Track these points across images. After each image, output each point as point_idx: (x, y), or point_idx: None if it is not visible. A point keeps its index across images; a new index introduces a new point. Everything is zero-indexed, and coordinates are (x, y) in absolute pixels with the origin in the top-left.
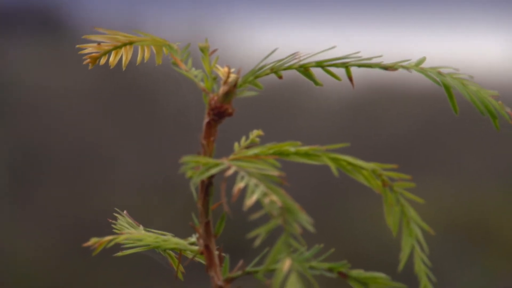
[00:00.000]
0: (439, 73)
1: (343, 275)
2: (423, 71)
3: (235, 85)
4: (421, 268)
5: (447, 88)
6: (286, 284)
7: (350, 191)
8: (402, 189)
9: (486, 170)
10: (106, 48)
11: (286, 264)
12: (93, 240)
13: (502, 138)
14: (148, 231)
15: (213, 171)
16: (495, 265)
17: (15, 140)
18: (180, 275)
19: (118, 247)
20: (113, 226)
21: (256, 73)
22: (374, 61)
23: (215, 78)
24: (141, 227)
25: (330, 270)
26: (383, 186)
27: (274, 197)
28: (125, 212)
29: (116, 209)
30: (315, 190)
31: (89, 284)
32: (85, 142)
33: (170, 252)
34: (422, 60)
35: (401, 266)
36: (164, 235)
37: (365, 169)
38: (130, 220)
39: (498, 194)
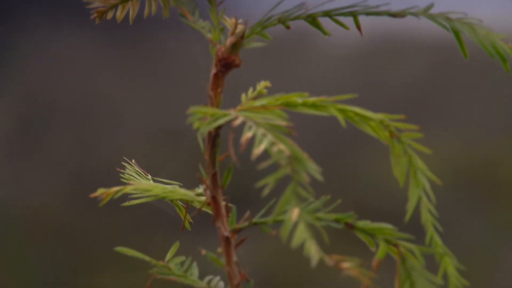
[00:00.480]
0: (448, 19)
1: (350, 226)
2: (431, 17)
3: (242, 36)
4: (428, 218)
5: (456, 33)
6: (295, 233)
7: (357, 142)
8: (409, 139)
9: (495, 120)
10: (113, 2)
11: (295, 213)
12: (100, 191)
13: (511, 88)
14: (156, 180)
15: (220, 121)
16: (502, 215)
17: (23, 89)
18: (187, 225)
19: (125, 196)
20: (121, 175)
21: (263, 24)
22: (381, 8)
23: (222, 29)
24: (149, 176)
25: (337, 221)
26: (391, 137)
27: (282, 146)
28: (133, 161)
29: (124, 158)
30: (321, 141)
31: (96, 233)
32: (92, 91)
33: (178, 202)
34: (430, 6)
35: (407, 216)
36: (171, 184)
37: (373, 120)
38: (138, 169)
39: (507, 144)
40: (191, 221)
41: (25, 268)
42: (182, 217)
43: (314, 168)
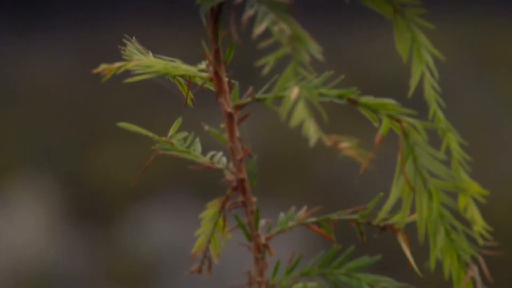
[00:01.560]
0: None
1: (353, 102)
2: None
3: None
4: (431, 94)
5: None
6: (294, 111)
7: (360, 18)
8: (413, 15)
9: None
10: None
11: (294, 92)
12: (102, 67)
13: None
14: (158, 57)
15: None
16: (506, 90)
17: None
18: (189, 101)
19: (128, 73)
20: (122, 53)
21: None
22: None
23: None
24: (150, 53)
25: (340, 96)
26: (394, 12)
27: (284, 25)
28: (134, 38)
29: (125, 35)
30: (325, 17)
31: (99, 110)
32: None
33: (180, 79)
34: None
35: (410, 92)
36: (173, 61)
37: None
38: (139, 47)
39: (510, 19)
40: (193, 97)
41: (30, 142)
42: (184, 94)
43: (314, 48)
